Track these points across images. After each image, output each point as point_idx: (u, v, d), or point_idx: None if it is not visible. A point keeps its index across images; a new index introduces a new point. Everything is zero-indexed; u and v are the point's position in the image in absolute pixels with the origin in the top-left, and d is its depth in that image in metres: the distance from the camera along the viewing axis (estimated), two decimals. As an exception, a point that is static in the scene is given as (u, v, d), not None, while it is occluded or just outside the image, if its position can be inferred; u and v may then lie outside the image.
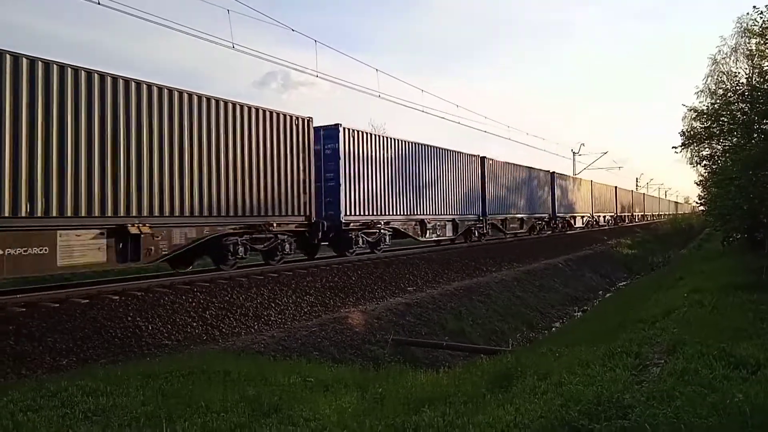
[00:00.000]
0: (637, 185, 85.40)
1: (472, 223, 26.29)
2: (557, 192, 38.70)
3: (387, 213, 19.78)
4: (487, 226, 27.62)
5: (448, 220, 24.00)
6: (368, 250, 19.36)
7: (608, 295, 24.40)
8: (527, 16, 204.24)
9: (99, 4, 11.48)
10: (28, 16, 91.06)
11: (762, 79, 16.89)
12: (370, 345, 11.51)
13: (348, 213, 17.78)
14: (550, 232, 37.75)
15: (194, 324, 10.68)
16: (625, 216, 61.26)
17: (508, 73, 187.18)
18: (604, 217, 52.34)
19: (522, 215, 32.49)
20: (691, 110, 24.62)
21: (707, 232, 40.68)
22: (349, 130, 18.16)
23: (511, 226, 30.81)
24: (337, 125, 17.76)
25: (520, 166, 32.98)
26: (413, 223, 21.52)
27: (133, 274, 14.34)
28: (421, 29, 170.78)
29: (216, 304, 11.62)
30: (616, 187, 58.08)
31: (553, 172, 38.61)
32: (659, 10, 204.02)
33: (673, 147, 22.20)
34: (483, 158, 27.54)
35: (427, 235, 22.17)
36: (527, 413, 4.94)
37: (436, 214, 22.88)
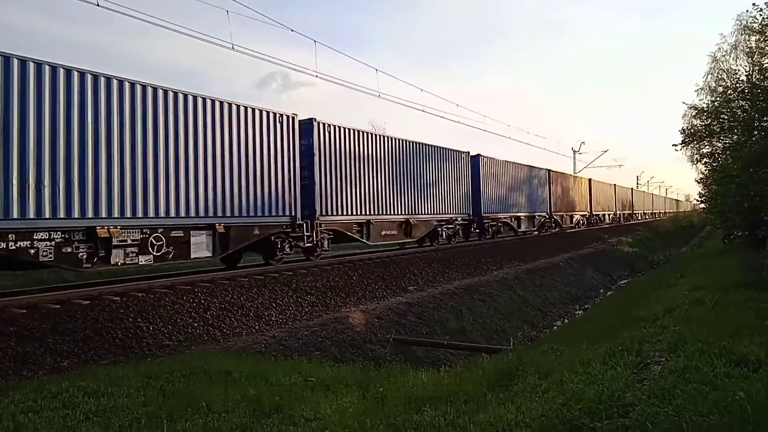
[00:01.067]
0: (637, 183, 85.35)
1: (279, 231, 15.44)
2: (485, 184, 27.16)
3: None
4: (318, 236, 16.54)
5: (200, 229, 13.06)
6: None
7: (609, 293, 24.40)
8: (526, 15, 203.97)
9: (98, 5, 11.49)
10: (28, 17, 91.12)
11: (762, 77, 16.89)
12: (371, 344, 11.51)
13: None
14: (476, 239, 27.16)
15: (195, 324, 10.68)
16: (603, 215, 50.38)
17: (507, 73, 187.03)
18: (572, 217, 41.11)
19: (410, 216, 21.09)
20: (691, 108, 24.64)
21: (708, 230, 40.70)
22: None
23: (385, 233, 19.83)
24: None
25: (402, 140, 21.26)
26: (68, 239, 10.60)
27: (135, 275, 14.35)
28: (420, 28, 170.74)
29: (217, 304, 11.63)
30: (590, 180, 46.96)
31: (478, 155, 26.97)
32: (658, 8, 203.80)
33: (673, 145, 22.21)
34: (309, 122, 16.59)
35: (114, 258, 11.19)
36: (528, 412, 4.95)
37: (150, 217, 11.91)
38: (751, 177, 14.67)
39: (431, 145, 23.24)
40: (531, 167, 33.88)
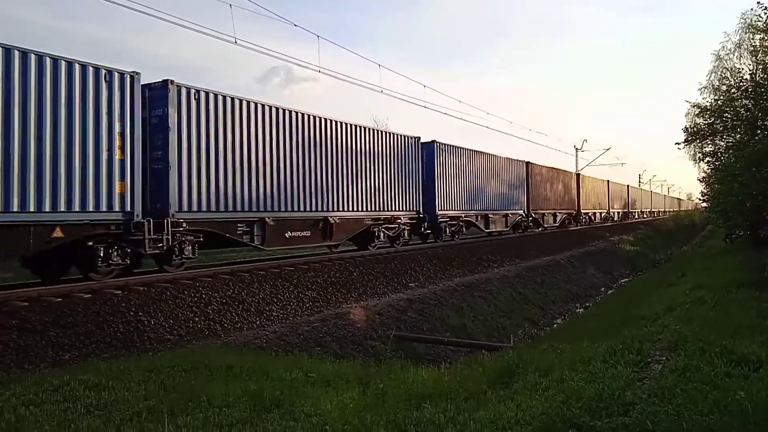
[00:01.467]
0: (639, 181, 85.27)
1: (104, 232, 11.35)
2: (442, 176, 23.24)
3: None
4: (173, 239, 12.41)
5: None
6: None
7: (610, 291, 24.40)
8: (527, 14, 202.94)
9: (100, -2, 11.38)
10: (28, 11, 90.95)
11: (766, 75, 16.84)
12: (371, 340, 11.53)
13: None
14: (432, 241, 23.39)
15: (196, 319, 10.70)
16: (594, 214, 47.20)
17: (508, 72, 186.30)
18: (555, 215, 37.40)
19: (330, 214, 17.00)
20: (694, 106, 24.57)
21: (710, 229, 40.67)
22: None
23: (291, 235, 15.75)
24: None
25: (316, 117, 16.67)
26: None
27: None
28: (421, 27, 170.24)
29: (218, 299, 11.65)
30: (578, 175, 43.85)
31: (432, 142, 22.97)
32: (659, 7, 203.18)
33: (676, 143, 22.22)
34: (163, 85, 12.45)
35: None
36: (529, 409, 4.95)
37: None
38: (753, 176, 14.65)
39: (365, 127, 19.28)
40: (504, 158, 29.82)
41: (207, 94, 13.36)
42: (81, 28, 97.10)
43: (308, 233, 16.44)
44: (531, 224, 33.75)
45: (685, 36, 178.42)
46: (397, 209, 20.50)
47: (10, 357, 8.05)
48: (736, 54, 28.50)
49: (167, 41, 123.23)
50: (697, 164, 33.55)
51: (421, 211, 21.85)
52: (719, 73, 29.08)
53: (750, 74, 20.02)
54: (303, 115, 16.20)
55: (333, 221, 17.20)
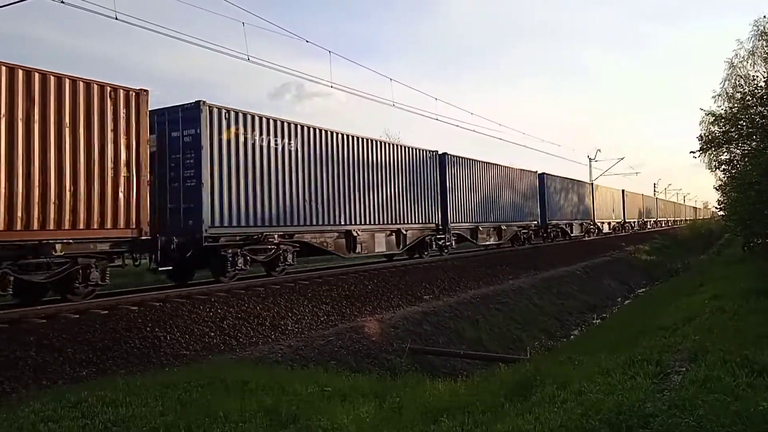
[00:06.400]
0: (654, 191, 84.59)
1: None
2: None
3: None
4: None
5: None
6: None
7: (627, 302, 24.15)
8: (539, 19, 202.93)
9: (116, 18, 11.67)
10: (47, 30, 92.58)
11: (781, 82, 16.72)
12: (387, 354, 11.47)
13: None
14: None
15: (212, 334, 10.73)
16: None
17: (521, 79, 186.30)
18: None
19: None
20: (708, 114, 24.39)
21: (727, 237, 40.27)
22: None
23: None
24: None
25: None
26: None
27: (151, 284, 14.47)
28: (434, 36, 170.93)
29: (233, 313, 11.67)
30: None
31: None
32: (675, 14, 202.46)
33: (691, 152, 22.06)
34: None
35: None
36: (547, 423, 4.89)
37: None
38: (770, 183, 14.50)
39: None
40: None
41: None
42: (107, 48, 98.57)
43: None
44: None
45: (701, 44, 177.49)
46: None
47: (28, 374, 8.11)
48: (749, 61, 28.30)
49: (184, 59, 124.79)
50: (713, 172, 33.29)
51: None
52: (733, 80, 28.89)
53: (764, 81, 19.90)
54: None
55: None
